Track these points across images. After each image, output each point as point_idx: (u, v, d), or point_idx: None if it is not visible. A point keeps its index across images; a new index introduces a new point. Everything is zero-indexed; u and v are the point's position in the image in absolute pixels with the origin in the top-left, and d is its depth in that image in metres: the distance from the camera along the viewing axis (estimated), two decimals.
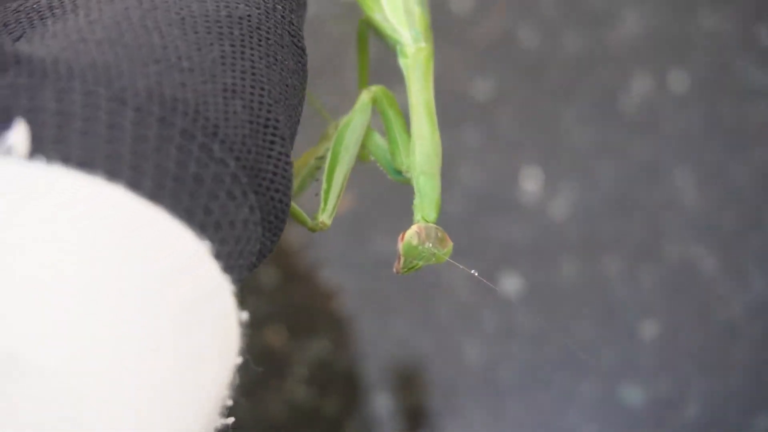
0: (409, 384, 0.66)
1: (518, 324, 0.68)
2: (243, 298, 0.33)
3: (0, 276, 0.26)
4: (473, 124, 0.70)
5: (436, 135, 0.44)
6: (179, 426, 0.29)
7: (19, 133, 0.28)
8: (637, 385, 0.68)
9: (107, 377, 0.27)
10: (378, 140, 0.45)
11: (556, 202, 0.70)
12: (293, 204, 0.40)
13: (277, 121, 0.34)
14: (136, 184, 0.29)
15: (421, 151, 0.44)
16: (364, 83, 0.51)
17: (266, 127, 0.34)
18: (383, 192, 0.67)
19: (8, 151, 0.28)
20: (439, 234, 0.41)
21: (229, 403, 0.35)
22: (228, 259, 0.32)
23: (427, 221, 0.42)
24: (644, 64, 0.73)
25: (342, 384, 0.65)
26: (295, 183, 0.41)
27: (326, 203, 0.42)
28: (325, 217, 0.42)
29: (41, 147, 0.28)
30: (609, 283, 0.69)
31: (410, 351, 0.66)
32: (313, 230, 0.42)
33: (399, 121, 0.45)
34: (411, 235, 0.41)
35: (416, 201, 0.43)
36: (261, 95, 0.34)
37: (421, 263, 0.41)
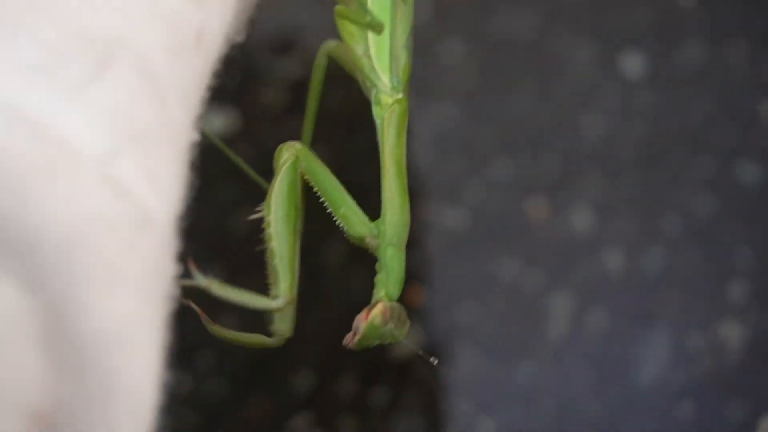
0: (527, 153, 0.68)
1: (637, 102, 0.69)
2: None
3: None
4: None
5: (406, 204, 0.40)
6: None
7: None
8: (754, 163, 0.68)
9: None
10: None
11: None
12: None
13: None
14: None
15: (391, 221, 0.39)
16: (309, 130, 0.45)
17: None
18: None
19: None
20: (402, 315, 0.38)
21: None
22: None
23: (390, 299, 0.38)
24: None
25: (464, 150, 0.68)
26: None
27: (279, 277, 0.36)
28: (284, 291, 0.36)
29: None
30: (732, 66, 0.70)
31: (529, 124, 0.69)
32: (270, 312, 0.37)
33: (334, 183, 0.39)
34: (376, 314, 0.37)
35: (381, 276, 0.39)
36: None
37: (376, 342, 0.38)
